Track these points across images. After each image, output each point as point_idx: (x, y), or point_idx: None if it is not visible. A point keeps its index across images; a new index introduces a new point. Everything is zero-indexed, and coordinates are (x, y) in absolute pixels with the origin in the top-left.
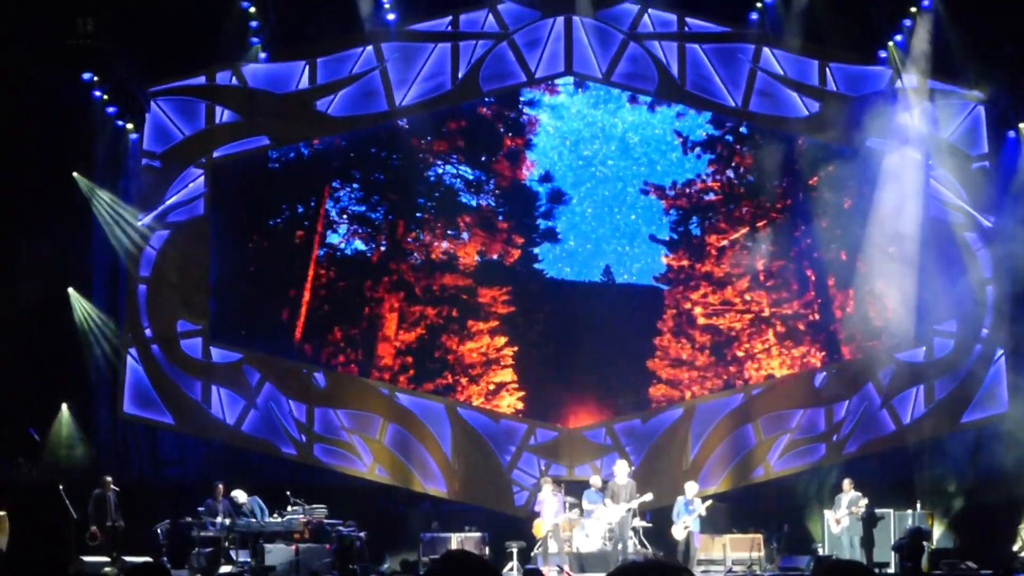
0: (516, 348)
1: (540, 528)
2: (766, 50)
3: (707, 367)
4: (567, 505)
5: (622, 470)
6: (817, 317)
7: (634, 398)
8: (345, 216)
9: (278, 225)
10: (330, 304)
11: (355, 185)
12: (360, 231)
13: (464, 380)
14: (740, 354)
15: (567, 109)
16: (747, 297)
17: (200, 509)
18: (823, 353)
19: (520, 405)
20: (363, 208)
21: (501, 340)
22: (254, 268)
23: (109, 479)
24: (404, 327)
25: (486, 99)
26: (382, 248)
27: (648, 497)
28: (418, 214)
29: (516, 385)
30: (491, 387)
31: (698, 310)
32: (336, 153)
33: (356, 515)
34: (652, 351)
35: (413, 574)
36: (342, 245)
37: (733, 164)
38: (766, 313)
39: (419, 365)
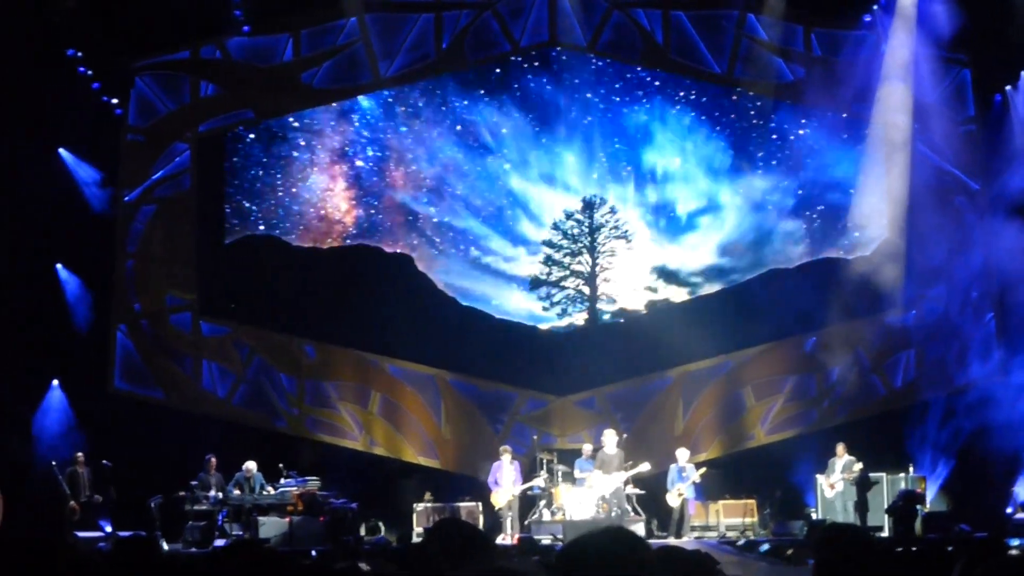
0: None
1: (498, 498)
2: (751, 16)
3: None
4: (559, 473)
5: (610, 440)
6: None
7: None
8: None
9: None
10: None
11: None
12: None
13: None
14: None
15: None
16: None
17: (193, 483)
18: None
19: None
20: None
21: None
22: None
23: (81, 455)
24: None
25: None
26: None
27: (645, 467)
28: None
29: None
30: None
31: None
32: None
33: (349, 487)
34: None
35: (406, 544)
36: None
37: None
38: None
39: None
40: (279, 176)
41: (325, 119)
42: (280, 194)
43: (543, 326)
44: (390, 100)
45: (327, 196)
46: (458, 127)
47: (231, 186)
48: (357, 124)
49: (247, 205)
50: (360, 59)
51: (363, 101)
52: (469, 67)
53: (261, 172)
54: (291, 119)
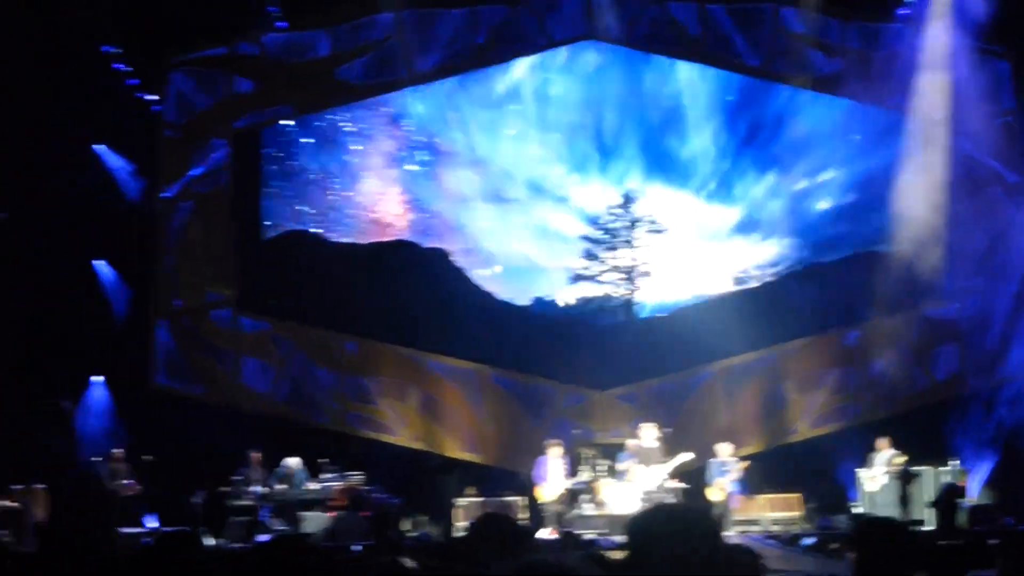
0: None
1: (546, 493)
2: (787, 9)
3: None
4: (597, 468)
5: (648, 433)
6: None
7: None
8: None
9: None
10: None
11: None
12: None
13: None
14: None
15: None
16: None
17: (236, 478)
18: None
19: None
20: None
21: None
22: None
23: (117, 452)
24: None
25: None
26: None
27: (689, 457)
28: None
29: None
30: None
31: None
32: None
33: (390, 482)
34: None
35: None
36: None
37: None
38: None
39: None
40: (333, 180)
41: (377, 123)
42: (333, 197)
43: (584, 321)
44: (442, 103)
45: (379, 199)
46: (509, 131)
47: (288, 190)
48: (411, 128)
49: (298, 207)
50: (396, 55)
51: (415, 105)
52: (503, 61)
53: (314, 176)
54: (344, 123)
